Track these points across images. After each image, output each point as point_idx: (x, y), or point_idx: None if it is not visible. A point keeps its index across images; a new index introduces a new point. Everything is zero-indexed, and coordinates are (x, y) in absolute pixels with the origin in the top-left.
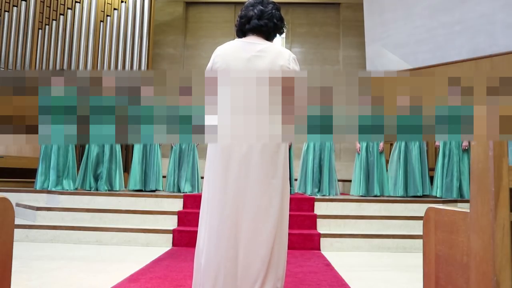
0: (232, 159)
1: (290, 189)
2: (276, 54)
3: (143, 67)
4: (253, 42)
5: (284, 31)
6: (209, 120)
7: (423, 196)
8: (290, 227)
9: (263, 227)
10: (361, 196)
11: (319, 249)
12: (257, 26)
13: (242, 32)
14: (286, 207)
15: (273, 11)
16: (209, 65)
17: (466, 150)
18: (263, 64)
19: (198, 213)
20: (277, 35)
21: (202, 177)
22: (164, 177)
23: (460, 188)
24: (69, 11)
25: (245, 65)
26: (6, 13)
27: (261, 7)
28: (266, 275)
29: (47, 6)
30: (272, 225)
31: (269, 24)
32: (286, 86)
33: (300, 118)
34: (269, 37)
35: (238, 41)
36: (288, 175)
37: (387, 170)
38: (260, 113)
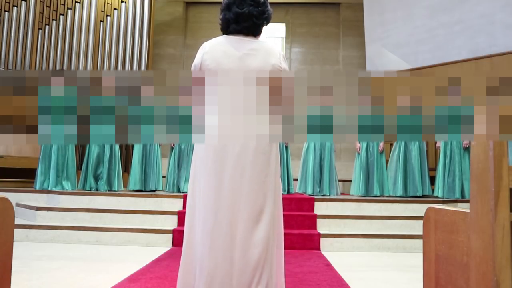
0: (227, 160)
1: (289, 189)
2: (267, 52)
3: (143, 67)
4: (243, 39)
5: (269, 19)
6: (198, 120)
7: (423, 196)
8: (290, 227)
9: (258, 226)
10: (361, 196)
11: (319, 249)
12: (238, 30)
13: (227, 33)
14: (279, 204)
15: (250, 7)
16: (197, 61)
17: (467, 149)
18: (255, 63)
19: None
20: (263, 27)
21: None
22: (164, 177)
23: (462, 188)
24: (69, 11)
25: (237, 64)
26: (6, 13)
27: (237, 10)
28: (262, 273)
29: (47, 6)
30: (267, 223)
31: (249, 26)
32: (274, 86)
33: (289, 118)
34: (255, 34)
35: (227, 38)
36: (279, 171)
37: (387, 170)
38: (248, 113)
